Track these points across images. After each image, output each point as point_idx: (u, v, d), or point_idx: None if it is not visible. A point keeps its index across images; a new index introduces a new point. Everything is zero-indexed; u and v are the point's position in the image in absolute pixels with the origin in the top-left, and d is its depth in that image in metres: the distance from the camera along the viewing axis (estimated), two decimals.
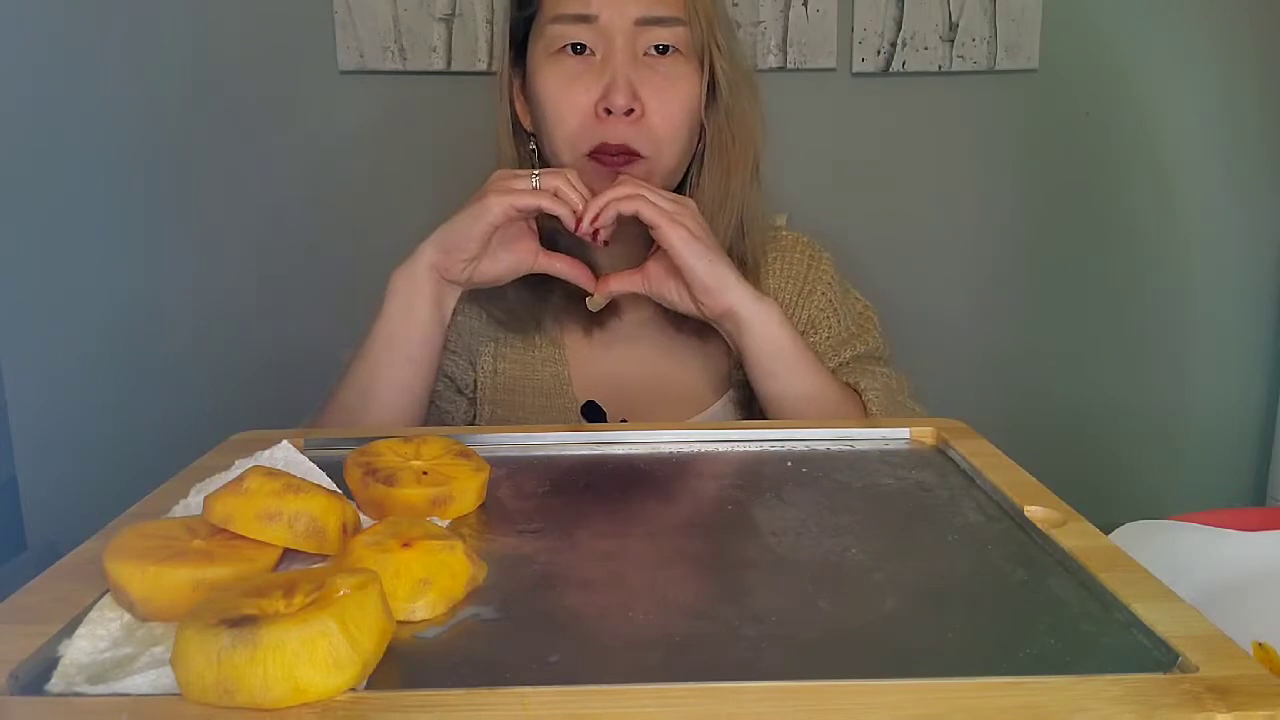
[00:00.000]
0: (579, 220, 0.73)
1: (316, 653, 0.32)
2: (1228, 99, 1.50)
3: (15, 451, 1.55)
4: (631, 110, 0.77)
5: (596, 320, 0.86)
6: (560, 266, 0.78)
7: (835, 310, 0.89)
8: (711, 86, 0.82)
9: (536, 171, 0.73)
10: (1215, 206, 1.53)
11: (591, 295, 0.79)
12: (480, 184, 0.76)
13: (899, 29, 1.45)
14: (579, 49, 0.78)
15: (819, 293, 0.89)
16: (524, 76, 0.84)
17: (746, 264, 0.86)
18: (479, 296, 0.85)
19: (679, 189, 0.85)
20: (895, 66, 1.46)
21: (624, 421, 0.84)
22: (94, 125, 1.45)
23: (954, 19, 1.44)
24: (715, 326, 0.78)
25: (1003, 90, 1.48)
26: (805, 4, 1.43)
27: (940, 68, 1.46)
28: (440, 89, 1.46)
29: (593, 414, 0.86)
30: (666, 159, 0.80)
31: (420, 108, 1.46)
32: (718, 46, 0.80)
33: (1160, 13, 1.46)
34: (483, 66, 1.43)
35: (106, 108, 1.45)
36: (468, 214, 0.73)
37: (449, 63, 1.43)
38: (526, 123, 0.85)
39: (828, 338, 0.88)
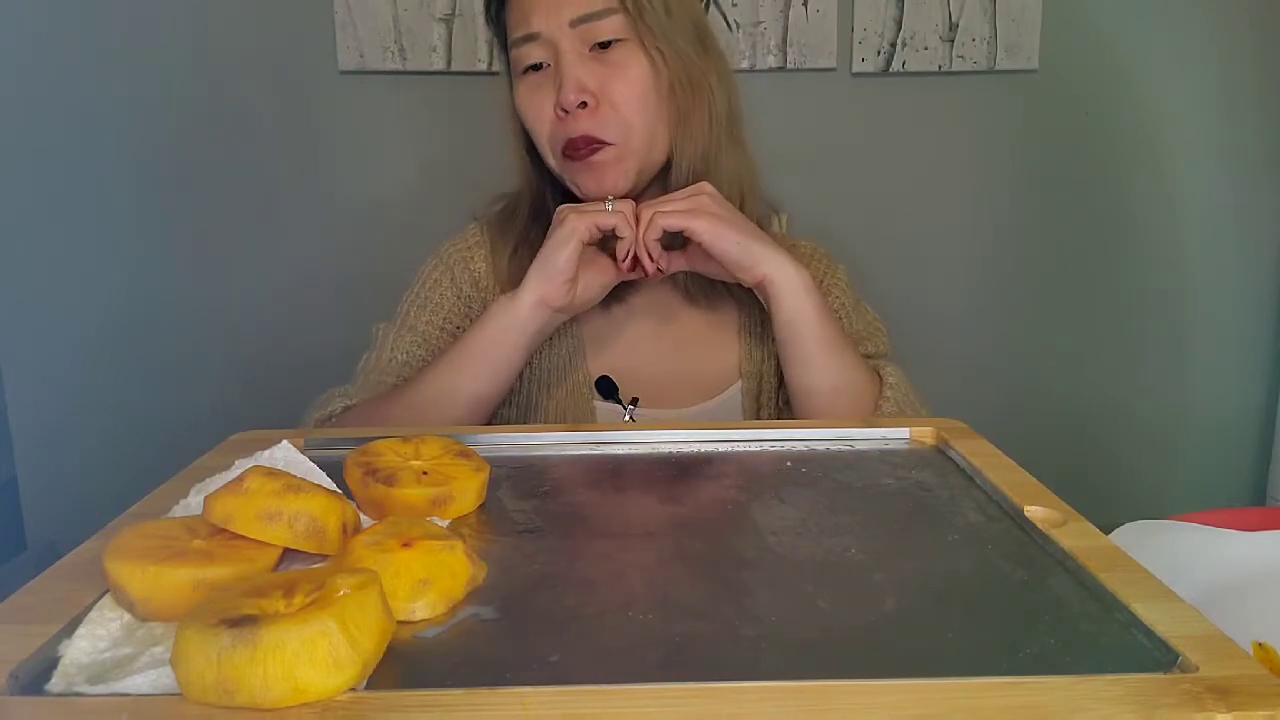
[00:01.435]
0: (632, 260, 0.82)
1: (316, 653, 0.32)
2: (1228, 99, 1.49)
3: (15, 451, 1.55)
4: (585, 104, 0.81)
5: (616, 296, 0.88)
6: (636, 272, 0.83)
7: (848, 313, 0.93)
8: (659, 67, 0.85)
9: (610, 198, 0.81)
10: (1215, 206, 1.53)
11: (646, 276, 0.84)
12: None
13: (899, 29, 1.45)
14: (537, 66, 0.84)
15: (834, 295, 0.93)
16: None
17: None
18: (505, 277, 0.90)
19: (667, 168, 0.88)
20: (895, 66, 1.46)
21: (635, 400, 0.87)
22: (94, 125, 1.45)
23: (954, 19, 1.44)
24: (757, 294, 0.83)
25: (1002, 90, 1.48)
26: (805, 4, 1.43)
27: (940, 68, 1.46)
28: (440, 89, 1.46)
29: (606, 388, 0.88)
30: (636, 140, 0.83)
31: (420, 108, 1.46)
32: (648, 27, 0.83)
33: (1160, 13, 1.46)
34: (483, 66, 1.43)
35: (107, 108, 1.45)
36: (555, 240, 0.79)
37: (449, 63, 1.43)
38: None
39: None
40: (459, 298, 0.92)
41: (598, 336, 0.91)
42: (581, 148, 0.82)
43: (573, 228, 0.78)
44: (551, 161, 0.86)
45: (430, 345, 0.89)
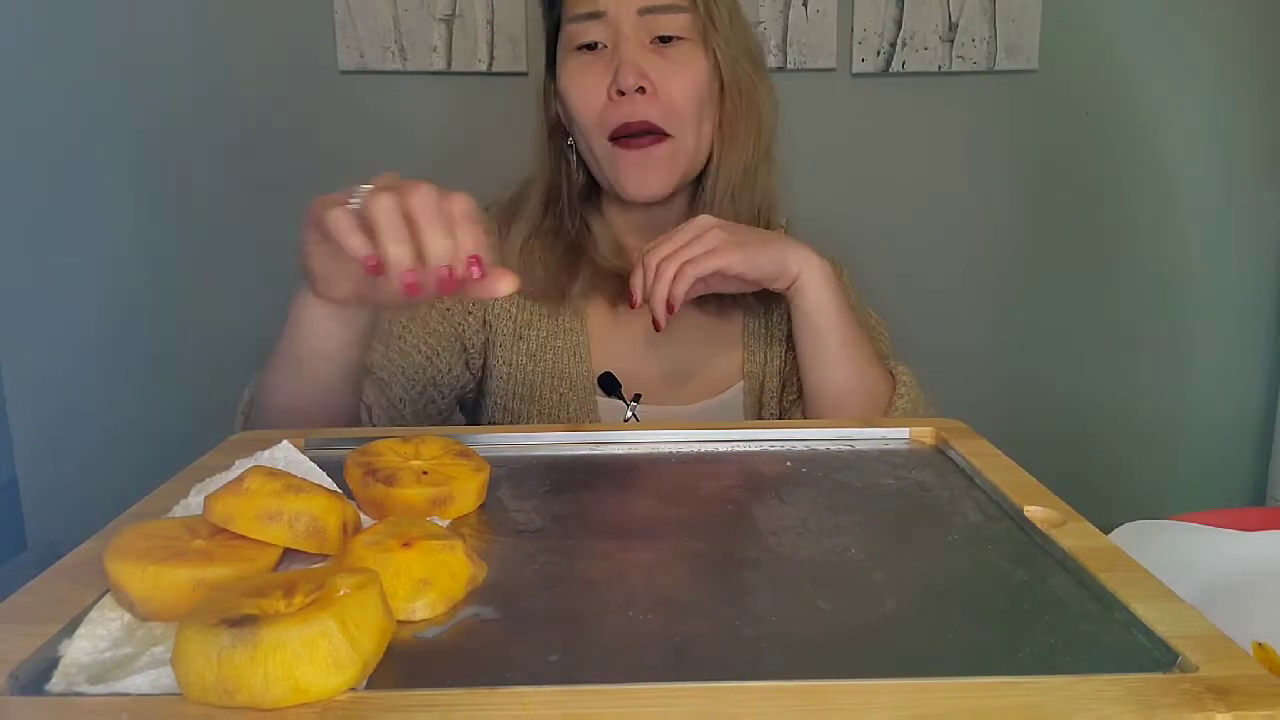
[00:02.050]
0: (636, 298, 0.78)
1: (317, 653, 0.32)
2: (1228, 99, 1.49)
3: (15, 451, 1.55)
4: (643, 89, 0.80)
5: (622, 297, 0.88)
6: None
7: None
8: (718, 70, 0.84)
9: (355, 194, 0.58)
10: (1215, 206, 1.53)
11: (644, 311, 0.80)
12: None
13: (899, 29, 1.45)
14: (592, 45, 0.83)
15: None
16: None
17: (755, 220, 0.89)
18: (514, 268, 0.85)
19: (700, 178, 0.88)
20: (895, 66, 1.46)
21: (637, 397, 0.87)
22: (94, 125, 1.45)
23: (954, 19, 1.44)
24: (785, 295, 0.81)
25: (1002, 90, 1.48)
26: (805, 4, 1.43)
27: (940, 68, 1.46)
28: (440, 89, 1.46)
29: (608, 385, 0.88)
30: (688, 136, 0.83)
31: (420, 108, 1.46)
32: (716, 29, 0.83)
33: (1160, 13, 1.46)
34: (483, 67, 1.43)
35: (107, 108, 1.45)
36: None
37: (449, 63, 1.43)
38: (566, 122, 0.89)
39: None
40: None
41: (601, 333, 0.90)
42: (639, 132, 0.81)
43: (306, 226, 0.63)
44: (596, 146, 0.84)
45: (413, 335, 0.85)
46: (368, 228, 0.56)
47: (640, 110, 0.81)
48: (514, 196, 0.92)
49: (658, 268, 0.76)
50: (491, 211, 0.93)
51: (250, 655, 0.31)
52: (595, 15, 0.81)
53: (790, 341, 0.87)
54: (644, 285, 0.77)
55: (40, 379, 1.52)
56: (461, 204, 0.56)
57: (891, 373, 0.84)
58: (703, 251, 0.76)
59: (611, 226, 0.91)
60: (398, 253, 0.55)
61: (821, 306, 0.79)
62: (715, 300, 0.89)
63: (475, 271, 0.56)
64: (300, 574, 0.36)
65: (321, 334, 0.68)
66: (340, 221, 0.57)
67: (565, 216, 0.90)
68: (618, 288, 0.89)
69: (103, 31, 1.42)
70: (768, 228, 0.89)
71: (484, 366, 0.91)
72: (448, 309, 0.89)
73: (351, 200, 0.57)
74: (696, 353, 0.91)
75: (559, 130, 0.89)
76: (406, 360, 0.85)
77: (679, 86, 0.82)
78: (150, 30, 1.43)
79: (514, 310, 0.90)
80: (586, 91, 0.82)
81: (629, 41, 0.81)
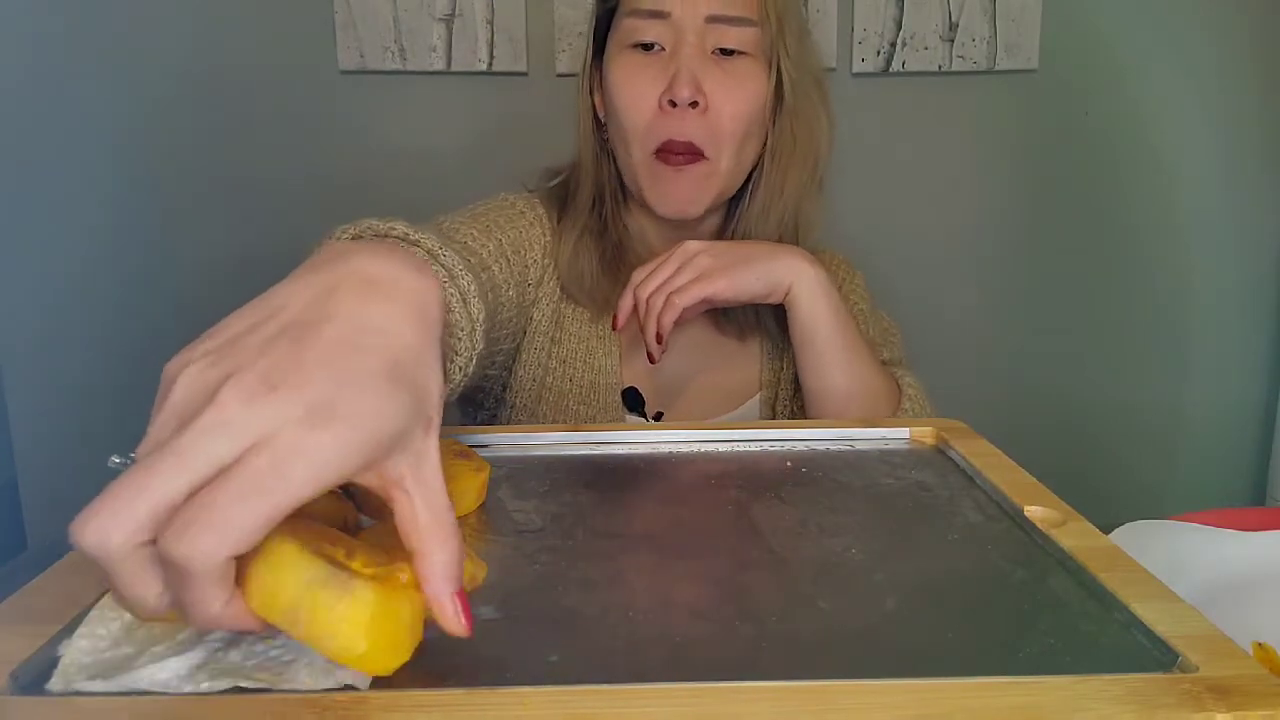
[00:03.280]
0: (620, 322, 0.76)
1: (387, 626, 0.32)
2: (1227, 99, 1.49)
3: (15, 451, 1.54)
4: (696, 104, 0.78)
5: None
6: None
7: (865, 319, 0.92)
8: (779, 90, 0.82)
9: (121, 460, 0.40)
10: (1215, 206, 1.53)
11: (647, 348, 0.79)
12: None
13: (899, 29, 1.45)
14: (649, 46, 0.80)
15: (851, 301, 0.92)
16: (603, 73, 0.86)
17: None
18: (564, 270, 0.86)
19: (737, 196, 0.86)
20: (895, 66, 1.45)
21: (659, 416, 0.87)
22: (94, 125, 1.45)
23: (954, 19, 1.44)
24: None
25: (1002, 90, 1.48)
26: (805, 4, 1.43)
27: (940, 68, 1.46)
28: (440, 89, 1.46)
29: (632, 400, 0.87)
30: (726, 160, 0.81)
31: (420, 108, 1.46)
32: (785, 49, 0.81)
33: (1160, 13, 1.46)
34: (483, 67, 1.43)
35: (106, 107, 1.45)
36: None
37: (449, 63, 1.43)
38: (604, 117, 0.87)
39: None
40: (526, 244, 0.83)
41: (634, 346, 0.87)
42: (680, 152, 0.79)
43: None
44: (635, 153, 0.81)
45: (479, 255, 0.76)
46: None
47: (688, 129, 0.78)
48: (561, 183, 0.90)
49: (647, 301, 0.75)
50: (536, 199, 0.89)
51: (336, 598, 0.31)
52: (659, 15, 0.78)
53: None
54: (629, 312, 0.76)
55: (40, 379, 1.52)
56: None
57: (898, 383, 0.83)
58: (688, 280, 0.74)
59: (646, 233, 0.89)
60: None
61: (817, 315, 0.77)
62: (731, 313, 0.88)
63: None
64: (354, 541, 0.36)
65: None
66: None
67: (610, 218, 0.87)
68: None
69: (102, 31, 1.42)
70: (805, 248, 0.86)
71: (515, 359, 0.88)
72: (502, 247, 0.81)
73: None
74: (718, 368, 0.89)
75: (600, 124, 0.86)
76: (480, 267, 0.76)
77: (732, 106, 0.79)
78: (150, 30, 1.43)
79: (554, 310, 0.87)
80: (638, 95, 0.80)
81: (691, 49, 0.78)
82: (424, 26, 1.42)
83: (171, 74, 1.44)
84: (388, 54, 1.43)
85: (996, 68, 1.46)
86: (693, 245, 0.76)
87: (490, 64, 1.43)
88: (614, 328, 0.78)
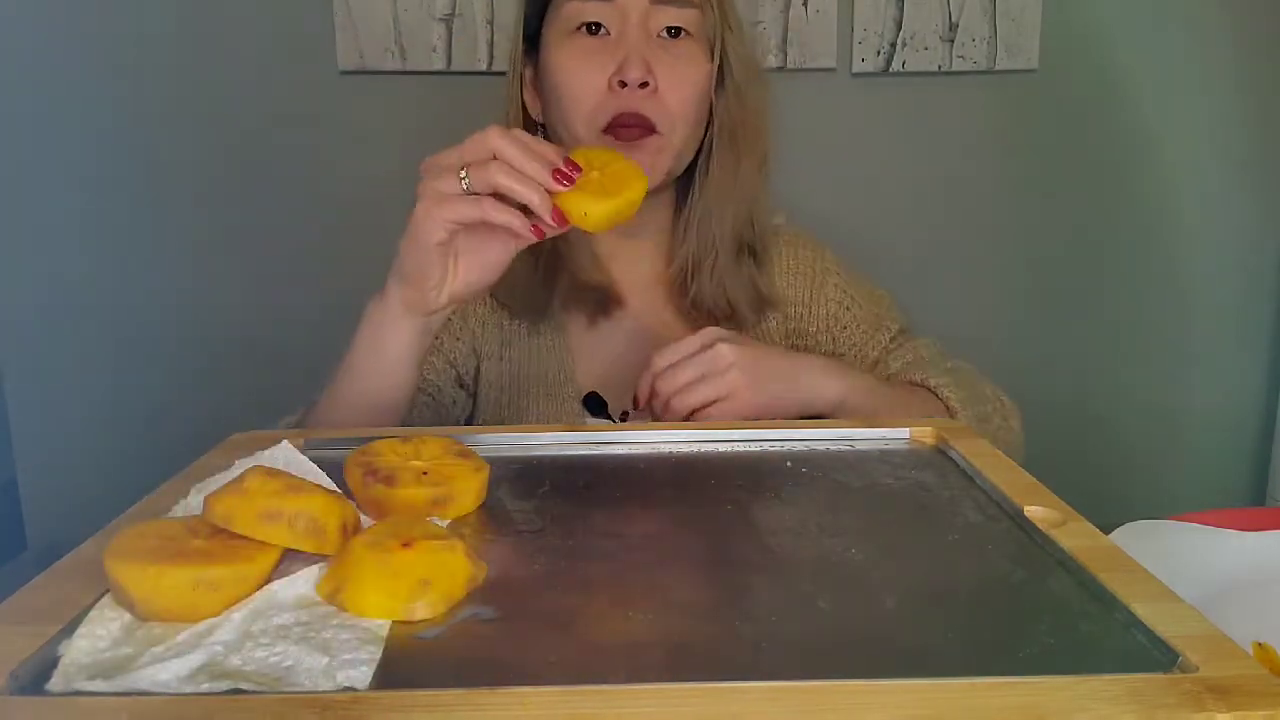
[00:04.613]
0: (640, 403, 0.73)
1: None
2: (1228, 99, 1.49)
3: (15, 451, 1.54)
4: (646, 84, 0.78)
5: (602, 311, 0.86)
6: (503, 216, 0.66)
7: (851, 298, 0.92)
8: (721, 73, 0.83)
9: (462, 167, 0.64)
10: (1215, 206, 1.53)
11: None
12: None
13: (899, 29, 1.44)
14: (594, 29, 0.79)
15: (830, 283, 0.92)
16: (535, 67, 0.85)
17: (756, 253, 0.88)
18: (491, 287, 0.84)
19: (686, 174, 0.86)
20: (895, 66, 1.45)
21: (625, 415, 0.85)
22: (93, 125, 1.45)
23: (954, 19, 1.44)
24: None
25: (1003, 90, 1.48)
26: (805, 4, 1.43)
27: (940, 68, 1.46)
28: (440, 89, 1.45)
29: (594, 405, 0.86)
30: (679, 136, 0.81)
31: (420, 108, 1.46)
32: (729, 28, 0.82)
33: (1160, 13, 1.46)
34: (483, 66, 1.43)
35: (106, 108, 1.44)
36: (409, 237, 0.66)
37: (449, 63, 1.43)
38: (536, 114, 0.86)
39: (859, 326, 0.91)
40: (462, 313, 0.88)
41: (585, 350, 0.87)
42: (632, 125, 0.79)
43: (421, 229, 0.64)
44: (583, 134, 0.80)
45: None
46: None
47: (638, 104, 0.78)
48: None
49: (668, 401, 0.71)
50: None
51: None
52: None
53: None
54: (647, 398, 0.74)
55: (40, 379, 1.52)
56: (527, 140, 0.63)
57: (928, 387, 0.83)
58: (718, 397, 0.71)
59: (587, 234, 0.87)
60: (541, 203, 0.62)
61: (865, 410, 0.76)
62: (704, 308, 0.87)
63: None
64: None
65: (407, 345, 0.69)
66: (487, 206, 0.63)
67: None
68: (597, 301, 0.86)
69: (102, 31, 1.42)
70: (757, 231, 0.87)
71: (475, 389, 0.89)
72: (439, 342, 0.85)
73: (462, 180, 0.63)
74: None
75: (530, 127, 0.85)
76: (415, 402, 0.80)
77: (679, 89, 0.80)
78: (149, 30, 1.43)
79: (496, 329, 0.88)
80: (586, 79, 0.79)
81: (637, 31, 0.78)
82: (424, 26, 1.42)
83: (171, 74, 1.44)
84: (388, 54, 1.43)
85: (996, 68, 1.46)
86: (724, 352, 0.72)
87: (490, 64, 1.43)
88: (635, 406, 0.75)
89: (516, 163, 0.62)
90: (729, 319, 0.88)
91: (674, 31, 0.81)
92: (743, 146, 0.85)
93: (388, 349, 0.70)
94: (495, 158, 0.63)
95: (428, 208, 0.64)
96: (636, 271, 0.90)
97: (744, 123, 0.84)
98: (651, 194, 0.80)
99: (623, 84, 0.78)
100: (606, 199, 0.64)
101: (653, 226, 0.87)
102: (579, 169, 0.64)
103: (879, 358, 0.91)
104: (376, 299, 0.70)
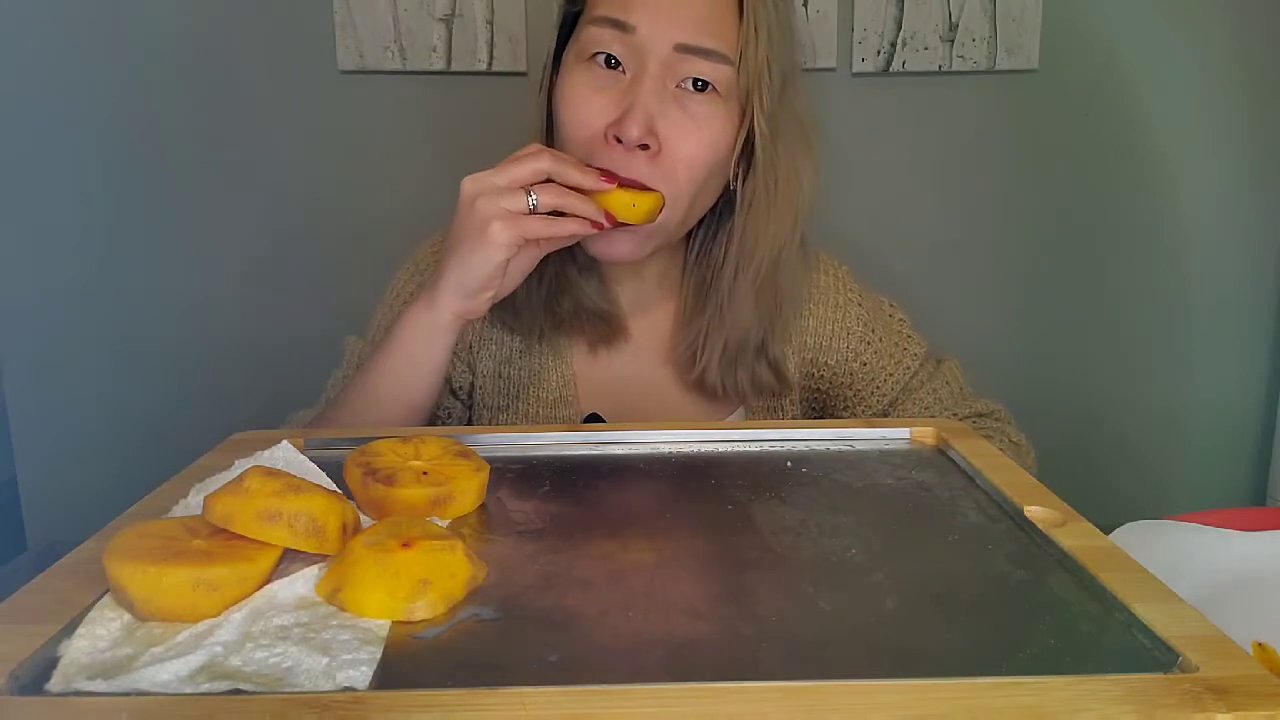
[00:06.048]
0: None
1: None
2: (1228, 99, 1.49)
3: (15, 451, 1.54)
4: (646, 146, 0.70)
5: (604, 340, 0.83)
6: (570, 227, 0.69)
7: (872, 330, 0.87)
8: (749, 142, 0.74)
9: (530, 188, 0.67)
10: (1215, 206, 1.53)
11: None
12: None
13: (899, 29, 1.44)
14: (611, 62, 0.71)
15: (852, 314, 0.87)
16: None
17: (771, 320, 0.81)
18: None
19: (689, 237, 0.81)
20: (895, 66, 1.45)
21: None
22: (93, 125, 1.45)
23: (954, 19, 1.44)
24: None
25: (1003, 90, 1.48)
26: (805, 4, 1.43)
27: (940, 68, 1.46)
28: (440, 89, 1.46)
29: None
30: (680, 203, 0.73)
31: (420, 108, 1.46)
32: (762, 100, 0.72)
33: (1160, 13, 1.46)
34: (482, 67, 1.43)
35: (106, 107, 1.45)
36: (474, 248, 0.66)
37: (449, 63, 1.43)
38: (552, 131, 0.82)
39: (878, 359, 0.88)
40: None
41: (586, 372, 0.85)
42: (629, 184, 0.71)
43: (496, 244, 0.66)
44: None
45: None
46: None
47: (637, 169, 0.70)
48: None
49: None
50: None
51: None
52: (623, 27, 0.69)
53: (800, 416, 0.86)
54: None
55: (40, 379, 1.52)
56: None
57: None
58: None
59: (592, 261, 0.80)
60: (594, 212, 0.68)
61: None
62: (710, 387, 0.82)
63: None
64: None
65: (447, 349, 0.72)
66: (564, 223, 0.68)
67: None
68: (600, 331, 0.82)
69: (102, 31, 1.42)
70: (783, 308, 0.80)
71: (472, 409, 0.87)
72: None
73: (530, 199, 0.66)
74: (683, 393, 0.85)
75: (551, 139, 0.79)
76: None
77: (689, 150, 0.71)
78: (150, 30, 1.43)
79: (494, 348, 0.85)
80: (586, 117, 0.71)
81: (652, 80, 0.70)
82: (424, 26, 1.42)
83: (171, 73, 1.44)
84: (388, 54, 1.43)
85: (996, 68, 1.46)
86: None
87: (490, 64, 1.43)
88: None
89: (573, 181, 0.67)
90: (738, 399, 0.84)
91: (700, 85, 0.71)
92: (767, 214, 0.76)
93: (432, 356, 0.71)
94: (550, 179, 0.68)
95: (504, 226, 0.66)
96: (642, 308, 0.85)
97: (774, 188, 0.75)
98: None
99: (619, 139, 0.70)
100: (645, 192, 0.70)
101: (659, 270, 0.83)
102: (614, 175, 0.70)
103: (907, 383, 0.88)
104: (422, 309, 0.70)
